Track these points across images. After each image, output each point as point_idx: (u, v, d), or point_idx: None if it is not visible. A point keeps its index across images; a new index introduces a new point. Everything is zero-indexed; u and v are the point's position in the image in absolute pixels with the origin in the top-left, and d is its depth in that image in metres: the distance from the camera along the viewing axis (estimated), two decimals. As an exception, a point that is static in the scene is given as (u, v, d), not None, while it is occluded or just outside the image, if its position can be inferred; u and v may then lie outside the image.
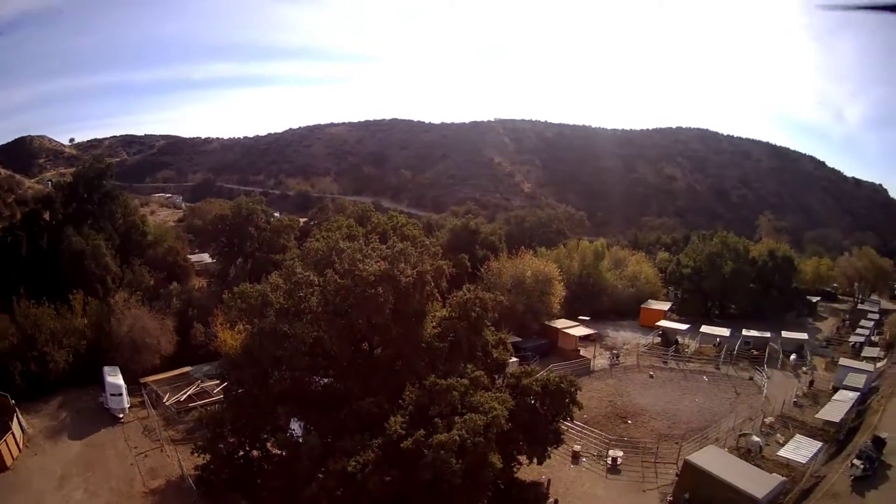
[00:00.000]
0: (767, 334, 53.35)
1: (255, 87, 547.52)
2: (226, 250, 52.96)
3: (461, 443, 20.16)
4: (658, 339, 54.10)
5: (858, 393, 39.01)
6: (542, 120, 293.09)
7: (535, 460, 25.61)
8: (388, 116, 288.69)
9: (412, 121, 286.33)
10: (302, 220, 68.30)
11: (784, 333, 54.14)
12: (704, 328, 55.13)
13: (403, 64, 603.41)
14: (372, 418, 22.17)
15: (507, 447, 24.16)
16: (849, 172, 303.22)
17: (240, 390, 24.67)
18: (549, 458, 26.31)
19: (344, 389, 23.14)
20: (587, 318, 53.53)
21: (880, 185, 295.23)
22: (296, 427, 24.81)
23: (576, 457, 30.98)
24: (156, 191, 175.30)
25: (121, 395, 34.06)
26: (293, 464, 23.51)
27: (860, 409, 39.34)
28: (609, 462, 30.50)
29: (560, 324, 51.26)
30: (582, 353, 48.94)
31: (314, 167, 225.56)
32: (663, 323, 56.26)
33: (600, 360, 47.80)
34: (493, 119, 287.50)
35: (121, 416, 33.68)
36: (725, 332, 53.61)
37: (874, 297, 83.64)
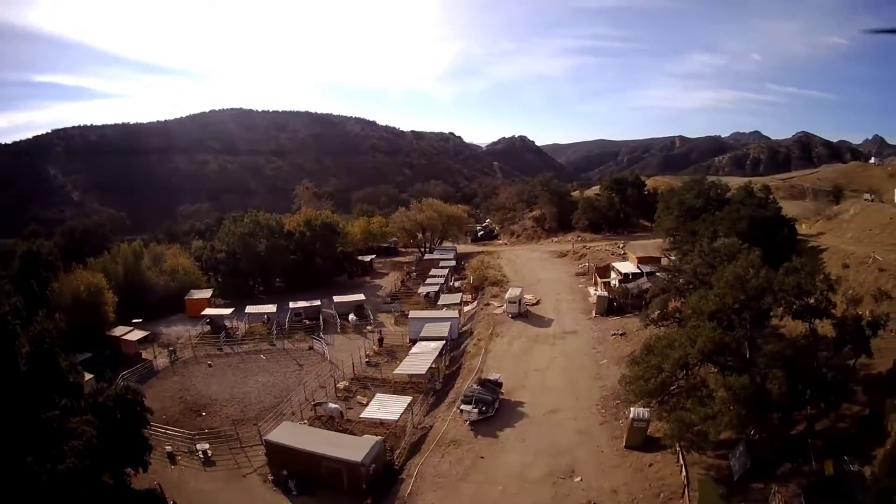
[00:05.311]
0: (317, 302, 53.98)
1: None
2: None
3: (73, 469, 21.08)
4: (207, 328, 53.18)
5: (443, 342, 39.09)
6: (89, 124, 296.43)
7: (140, 470, 28.58)
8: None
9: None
10: None
11: (336, 298, 55.01)
12: (249, 308, 54.73)
13: None
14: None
15: (114, 463, 26.62)
16: (419, 126, 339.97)
17: None
18: (151, 464, 27.25)
19: None
20: (139, 321, 52.40)
21: (451, 133, 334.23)
22: None
23: (172, 457, 31.03)
24: None
25: None
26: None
27: (454, 355, 40.35)
28: (201, 455, 31.05)
29: (119, 331, 49.45)
30: (144, 355, 47.53)
31: None
32: (208, 311, 55.52)
33: (161, 360, 46.86)
34: (49, 131, 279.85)
35: None
36: (272, 308, 54.42)
37: (447, 244, 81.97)
